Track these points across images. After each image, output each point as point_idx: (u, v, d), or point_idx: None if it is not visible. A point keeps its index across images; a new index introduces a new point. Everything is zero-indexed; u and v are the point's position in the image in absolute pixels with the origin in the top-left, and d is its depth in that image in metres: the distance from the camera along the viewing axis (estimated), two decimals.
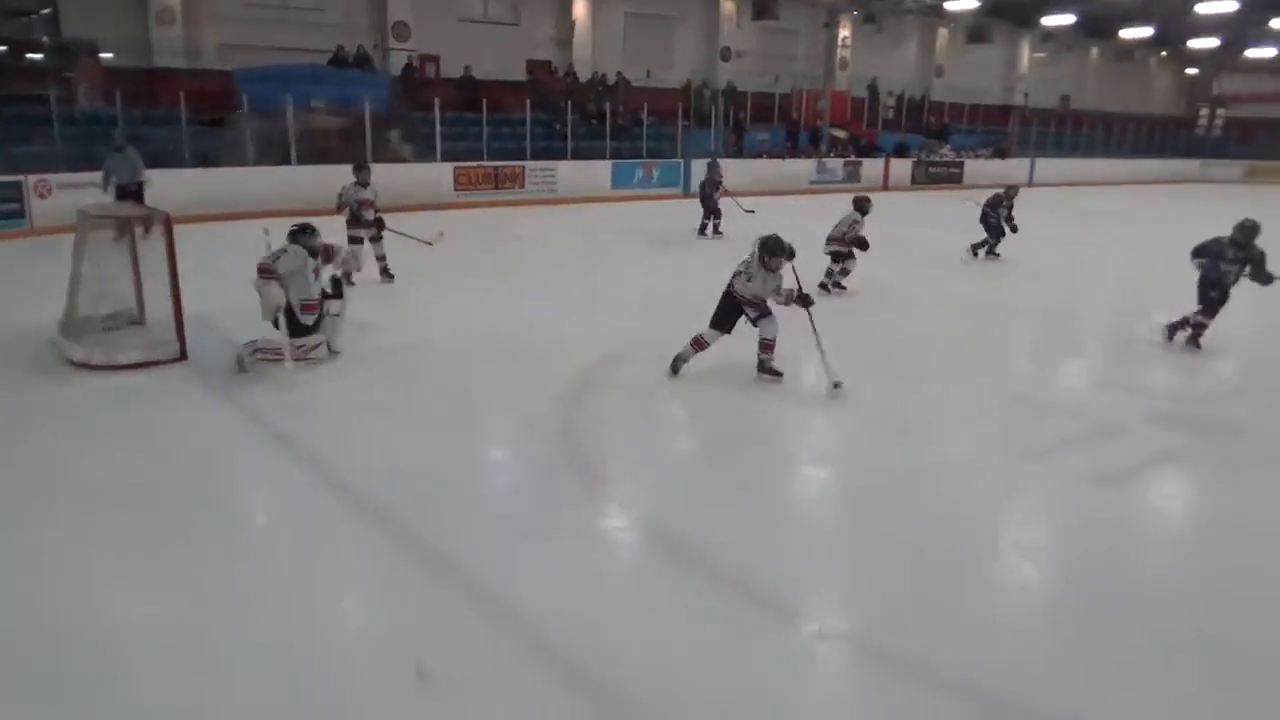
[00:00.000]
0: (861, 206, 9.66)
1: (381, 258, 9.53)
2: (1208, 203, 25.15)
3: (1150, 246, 15.09)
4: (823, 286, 9.39)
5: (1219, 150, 35.58)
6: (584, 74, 21.89)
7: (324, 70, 17.60)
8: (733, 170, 17.53)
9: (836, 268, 9.62)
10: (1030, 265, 12.42)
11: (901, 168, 25.01)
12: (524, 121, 18.29)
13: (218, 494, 4.57)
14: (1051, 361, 7.88)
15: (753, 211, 15.84)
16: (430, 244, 9.76)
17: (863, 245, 9.45)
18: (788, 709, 3.03)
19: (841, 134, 25.31)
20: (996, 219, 12.39)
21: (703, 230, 14.03)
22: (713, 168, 14.17)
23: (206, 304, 7.33)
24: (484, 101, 17.84)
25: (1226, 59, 36.89)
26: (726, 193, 14.16)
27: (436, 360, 6.95)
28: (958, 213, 13.42)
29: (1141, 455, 5.33)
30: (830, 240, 9.55)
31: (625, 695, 3.06)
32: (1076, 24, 30.06)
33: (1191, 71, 39.36)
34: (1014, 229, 12.33)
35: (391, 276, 9.58)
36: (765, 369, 6.43)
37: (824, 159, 23.57)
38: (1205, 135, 37.17)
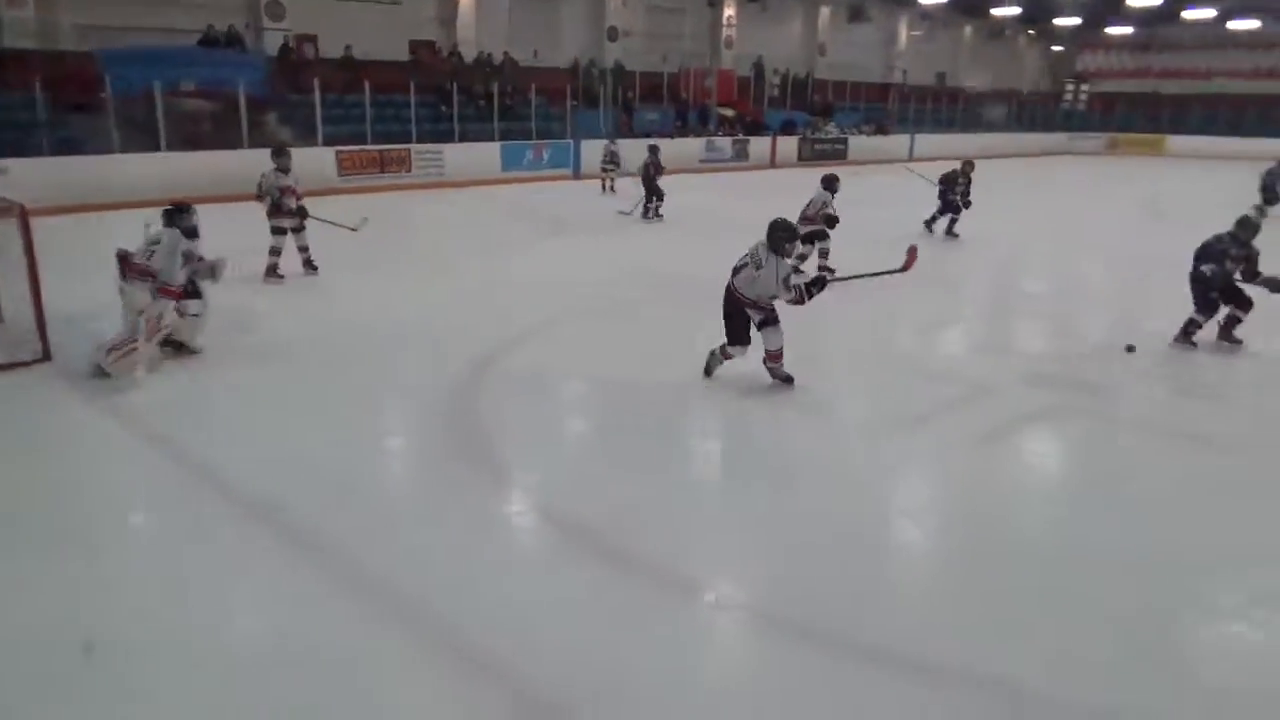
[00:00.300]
0: (830, 185, 9.63)
1: (304, 249, 9.08)
2: (1076, 172, 26.50)
3: (1025, 217, 15.82)
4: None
5: (1084, 123, 37.44)
6: (469, 55, 21.49)
7: (194, 51, 16.77)
8: (624, 151, 17.63)
9: (813, 249, 9.56)
10: (896, 235, 12.79)
11: (788, 145, 25.46)
12: (409, 104, 17.85)
13: (85, 502, 4.35)
14: (936, 330, 8.16)
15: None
16: (355, 230, 9.40)
17: (832, 223, 9.42)
18: (687, 680, 3.08)
19: (729, 113, 25.57)
20: (955, 195, 12.45)
21: (646, 213, 14.04)
22: (654, 150, 14.18)
23: (71, 300, 6.94)
24: (366, 83, 17.33)
25: (1088, 37, 38.81)
26: (635, 174, 14.09)
27: (327, 351, 6.76)
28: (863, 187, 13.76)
29: (1014, 414, 5.60)
30: (804, 220, 9.38)
31: (522, 675, 3.05)
32: (951, 3, 31.12)
33: (1057, 49, 41.20)
34: (967, 205, 12.44)
35: (315, 268, 9.16)
36: (777, 376, 5.95)
37: (713, 138, 23.80)
38: (1071, 109, 38.99)
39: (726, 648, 3.38)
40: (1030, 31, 39.09)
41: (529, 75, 21.29)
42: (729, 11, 27.28)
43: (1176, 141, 34.33)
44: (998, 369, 6.55)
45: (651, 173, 13.98)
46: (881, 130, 28.96)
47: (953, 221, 12.63)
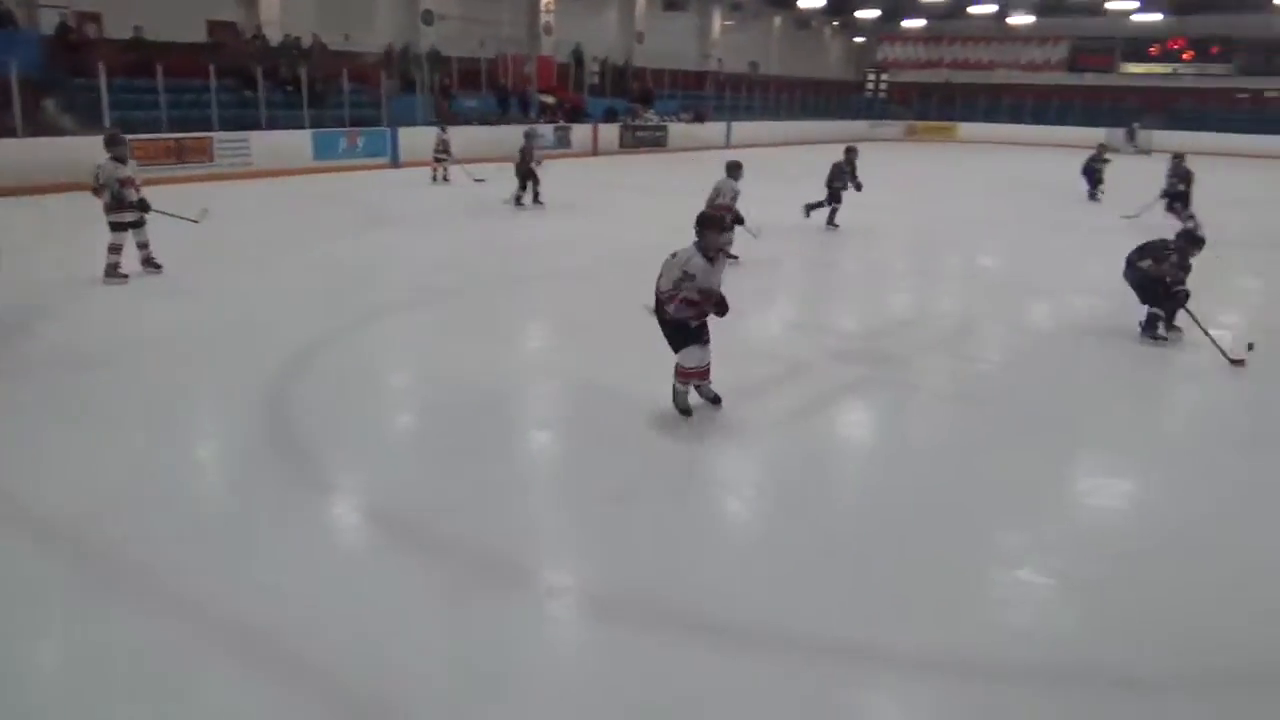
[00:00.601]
0: (734, 173, 9.44)
1: (144, 245, 8.39)
2: (878, 156, 28.08)
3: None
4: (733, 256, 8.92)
5: (884, 111, 39.80)
6: (274, 37, 20.42)
7: None
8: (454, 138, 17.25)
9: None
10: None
11: (610, 132, 25.71)
12: (209, 88, 16.80)
13: None
14: (759, 311, 8.48)
15: (483, 180, 15.72)
16: (196, 221, 8.77)
17: (739, 220, 9.21)
18: (519, 667, 3.10)
19: (550, 100, 25.53)
20: (843, 184, 12.32)
21: (519, 201, 13.83)
22: (531, 136, 14.06)
23: None
24: (158, 66, 16.17)
25: (887, 29, 41.19)
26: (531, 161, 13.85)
27: (130, 359, 6.30)
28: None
29: (827, 387, 5.93)
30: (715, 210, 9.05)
31: (340, 677, 3.00)
32: None
33: (859, 40, 43.51)
34: (858, 187, 12.50)
35: (159, 267, 8.47)
36: (704, 395, 5.38)
37: (535, 124, 23.69)
38: (873, 98, 41.32)
39: (557, 636, 3.43)
40: (835, 23, 41.07)
41: (340, 60, 20.46)
42: None
43: (966, 128, 37.16)
44: (812, 347, 6.91)
45: (527, 159, 13.80)
46: (699, 118, 29.70)
47: (833, 212, 12.55)
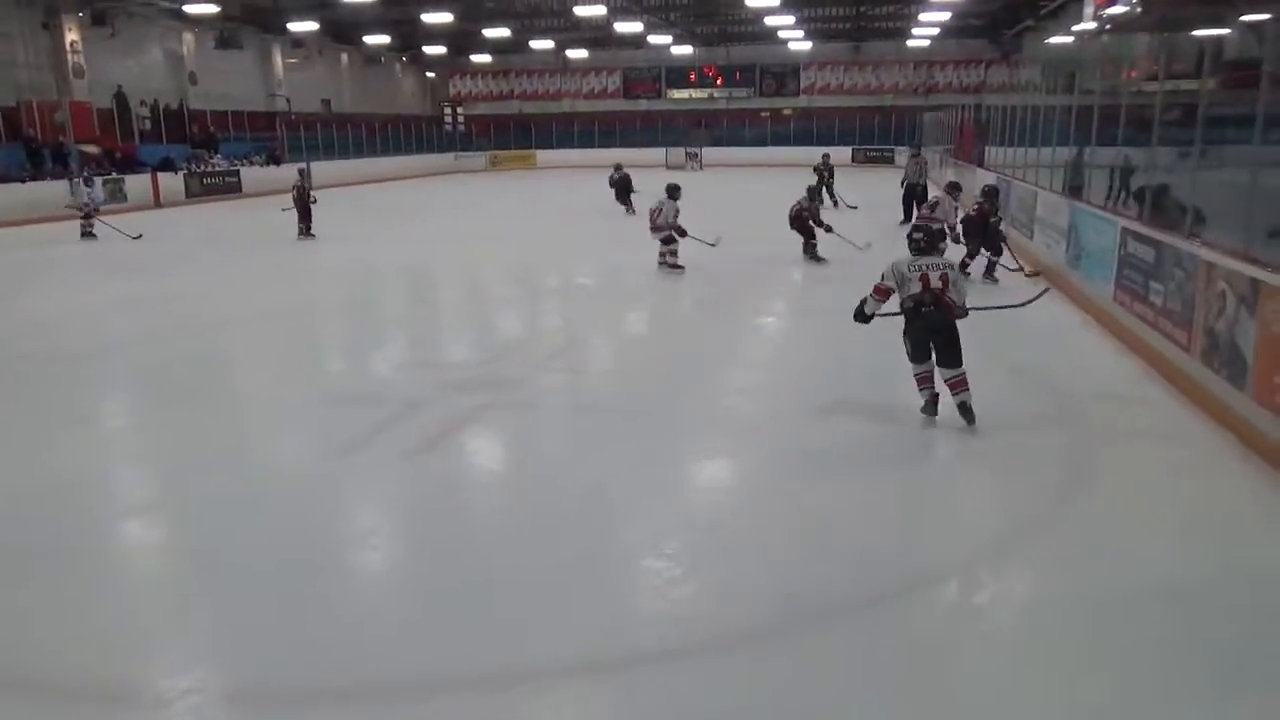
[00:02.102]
0: (674, 194, 11.02)
1: None
2: (463, 188, 28.61)
3: (438, 231, 16.69)
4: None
5: (466, 144, 40.67)
6: None
7: None
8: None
9: (669, 250, 11.10)
10: (330, 265, 12.73)
11: (173, 181, 23.44)
12: None
13: None
14: (356, 354, 8.19)
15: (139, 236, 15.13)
16: None
17: (681, 234, 10.94)
18: None
19: (93, 150, 22.64)
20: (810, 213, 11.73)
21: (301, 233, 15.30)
22: (302, 173, 15.91)
23: None
24: None
25: (457, 64, 42.13)
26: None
27: None
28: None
29: (446, 421, 5.88)
30: (655, 229, 11.05)
31: None
32: (324, 31, 31.26)
33: (431, 75, 43.99)
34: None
35: None
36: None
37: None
38: (454, 131, 42.04)
39: None
40: (404, 59, 41.12)
41: None
42: (71, 36, 23.99)
43: (544, 155, 39.31)
44: (424, 383, 6.82)
45: (302, 196, 15.22)
46: (274, 160, 28.14)
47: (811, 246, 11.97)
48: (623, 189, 18.79)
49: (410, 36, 35.56)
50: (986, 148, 18.25)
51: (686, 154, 35.68)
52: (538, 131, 40.66)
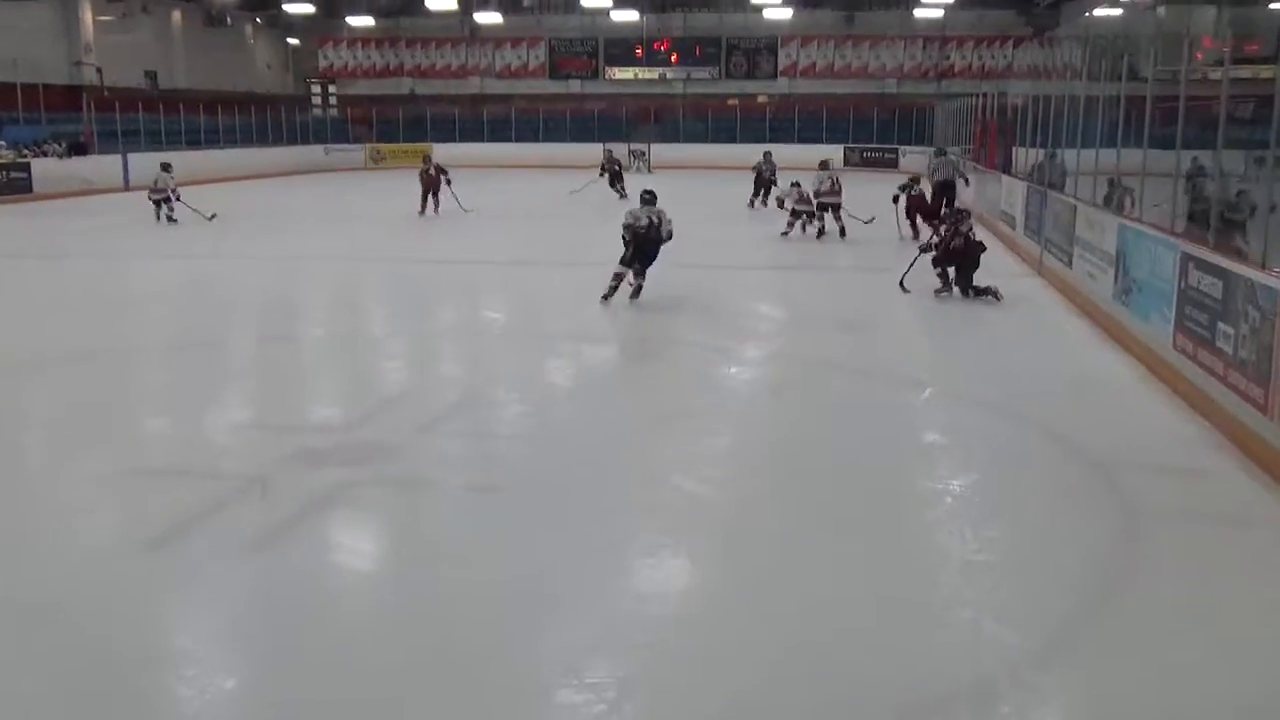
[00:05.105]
0: (646, 199, 11.63)
1: None
2: (336, 189, 28.52)
3: (301, 248, 16.60)
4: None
5: (340, 133, 40.58)
6: None
7: None
8: None
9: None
10: (156, 290, 12.56)
11: None
12: None
13: None
14: (184, 410, 8.05)
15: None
16: None
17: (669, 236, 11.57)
18: None
19: None
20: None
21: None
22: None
23: None
24: None
25: (328, 28, 42.22)
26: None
27: None
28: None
29: (299, 503, 5.79)
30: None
31: None
32: None
33: (293, 42, 44.00)
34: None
35: None
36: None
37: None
38: (324, 116, 41.98)
39: None
40: (257, 20, 41.10)
41: None
42: None
43: (443, 151, 38.78)
44: (270, 452, 6.72)
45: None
46: (79, 149, 27.80)
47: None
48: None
49: None
50: (1014, 149, 18.76)
51: (631, 152, 36.09)
52: (435, 119, 40.77)
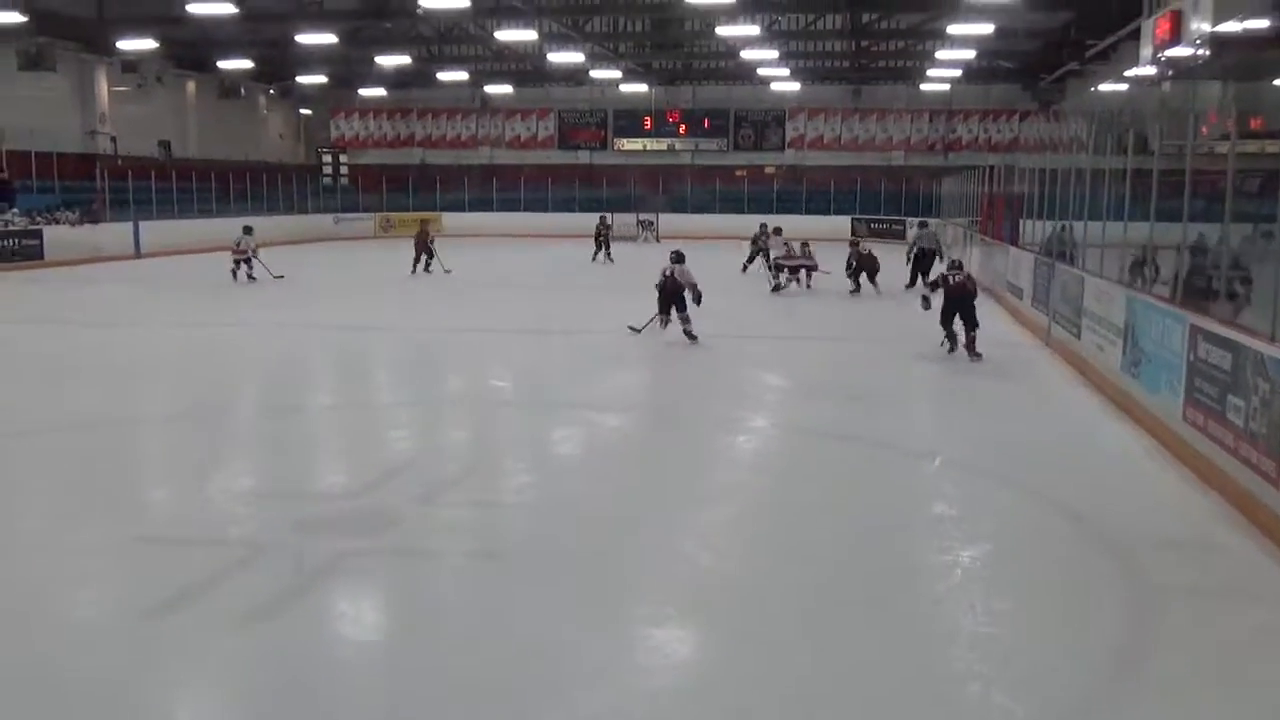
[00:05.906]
0: (681, 259, 13.28)
1: None
2: (346, 257, 28.72)
3: (308, 316, 16.65)
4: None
5: (350, 202, 40.94)
6: None
7: None
8: None
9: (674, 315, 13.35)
10: (160, 358, 12.62)
11: None
12: None
13: None
14: (184, 478, 8.03)
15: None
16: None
17: (698, 298, 13.08)
18: None
19: None
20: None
21: None
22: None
23: None
24: None
25: (340, 99, 42.83)
26: None
27: None
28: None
29: (300, 573, 5.76)
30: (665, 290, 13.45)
31: None
32: (165, 53, 31.57)
33: (306, 112, 44.63)
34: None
35: None
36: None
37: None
38: (335, 185, 42.37)
39: None
40: (271, 91, 41.70)
41: None
42: None
43: (452, 219, 39.14)
44: (272, 519, 6.70)
45: None
46: (91, 218, 28.06)
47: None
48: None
49: (279, 62, 36.12)
50: (1021, 220, 18.89)
51: (639, 221, 36.38)
52: (445, 188, 41.20)
